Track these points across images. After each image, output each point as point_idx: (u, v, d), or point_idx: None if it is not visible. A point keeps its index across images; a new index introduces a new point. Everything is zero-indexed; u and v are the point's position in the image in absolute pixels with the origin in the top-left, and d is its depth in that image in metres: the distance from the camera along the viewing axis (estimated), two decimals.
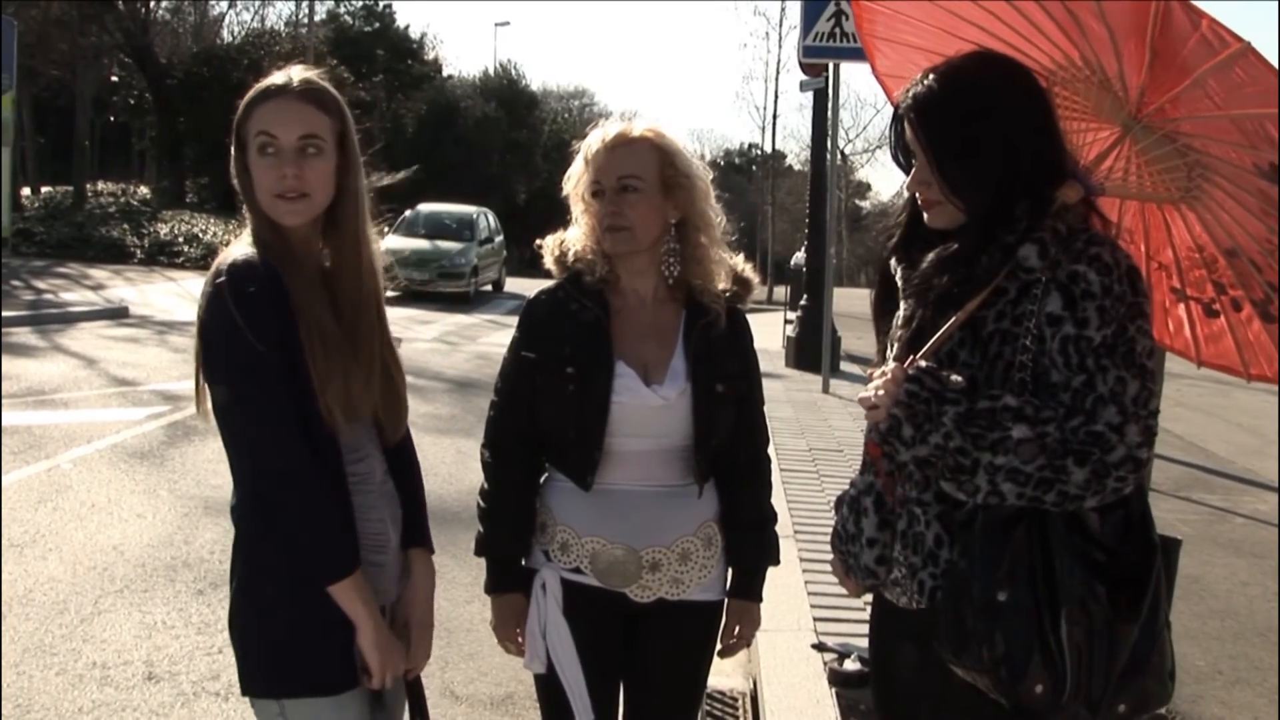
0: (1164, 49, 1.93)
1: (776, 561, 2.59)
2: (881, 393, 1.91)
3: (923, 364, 1.90)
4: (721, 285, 2.44)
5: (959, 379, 1.87)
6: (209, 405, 2.01)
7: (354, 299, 2.11)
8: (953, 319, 1.92)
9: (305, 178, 2.00)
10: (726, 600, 2.54)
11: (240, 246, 2.01)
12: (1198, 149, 2.05)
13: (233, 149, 2.04)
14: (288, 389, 1.92)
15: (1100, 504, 1.81)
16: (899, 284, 2.09)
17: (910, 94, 2.00)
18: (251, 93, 2.04)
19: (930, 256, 2.00)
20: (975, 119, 1.94)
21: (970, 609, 1.84)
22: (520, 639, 2.47)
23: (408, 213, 24.04)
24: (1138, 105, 2.06)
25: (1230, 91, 1.90)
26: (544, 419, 2.41)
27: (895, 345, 2.05)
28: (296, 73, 2.06)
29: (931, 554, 1.96)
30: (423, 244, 21.89)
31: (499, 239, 25.37)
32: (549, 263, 2.48)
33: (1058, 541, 1.83)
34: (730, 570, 2.54)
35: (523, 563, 2.50)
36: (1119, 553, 1.85)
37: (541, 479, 2.52)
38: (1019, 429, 1.78)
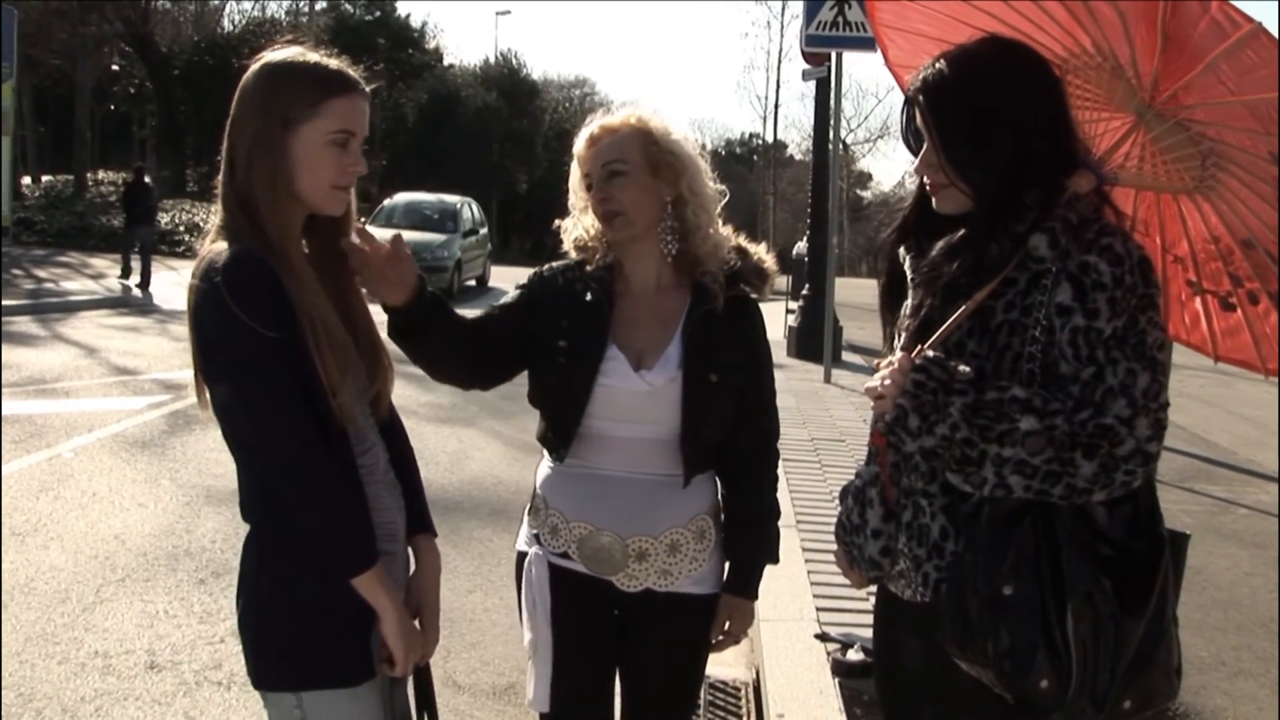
0: (1175, 33, 1.90)
1: (775, 559, 2.54)
2: (888, 383, 1.89)
3: (930, 354, 1.88)
4: (724, 262, 2.41)
5: (967, 369, 1.85)
6: (209, 398, 2.00)
7: (349, 286, 2.13)
8: (962, 308, 1.90)
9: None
10: (721, 595, 2.50)
11: (223, 245, 1.97)
12: (1211, 137, 2.02)
13: (267, 124, 1.97)
14: (293, 383, 1.90)
15: (1108, 498, 1.79)
16: (907, 273, 2.08)
17: (921, 78, 1.98)
18: (320, 82, 1.99)
19: (939, 244, 1.98)
20: (985, 104, 1.92)
21: (975, 602, 1.82)
22: None
23: (385, 203, 22.35)
24: (1151, 93, 2.02)
25: (1242, 75, 1.86)
26: (533, 388, 2.44)
27: (903, 335, 2.04)
28: (337, 62, 2.04)
29: (937, 546, 1.94)
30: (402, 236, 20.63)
31: (483, 231, 23.39)
32: (567, 244, 2.49)
33: (1064, 535, 1.81)
34: (727, 565, 2.52)
35: (517, 544, 2.52)
36: (1126, 547, 1.83)
37: (538, 464, 2.52)
38: (1027, 421, 1.76)
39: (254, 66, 2.03)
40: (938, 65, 1.96)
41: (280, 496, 1.93)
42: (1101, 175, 1.97)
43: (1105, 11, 1.97)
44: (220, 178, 2.03)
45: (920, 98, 1.97)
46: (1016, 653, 1.79)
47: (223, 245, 1.96)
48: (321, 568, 1.97)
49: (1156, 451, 1.77)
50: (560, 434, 2.39)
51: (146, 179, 19.57)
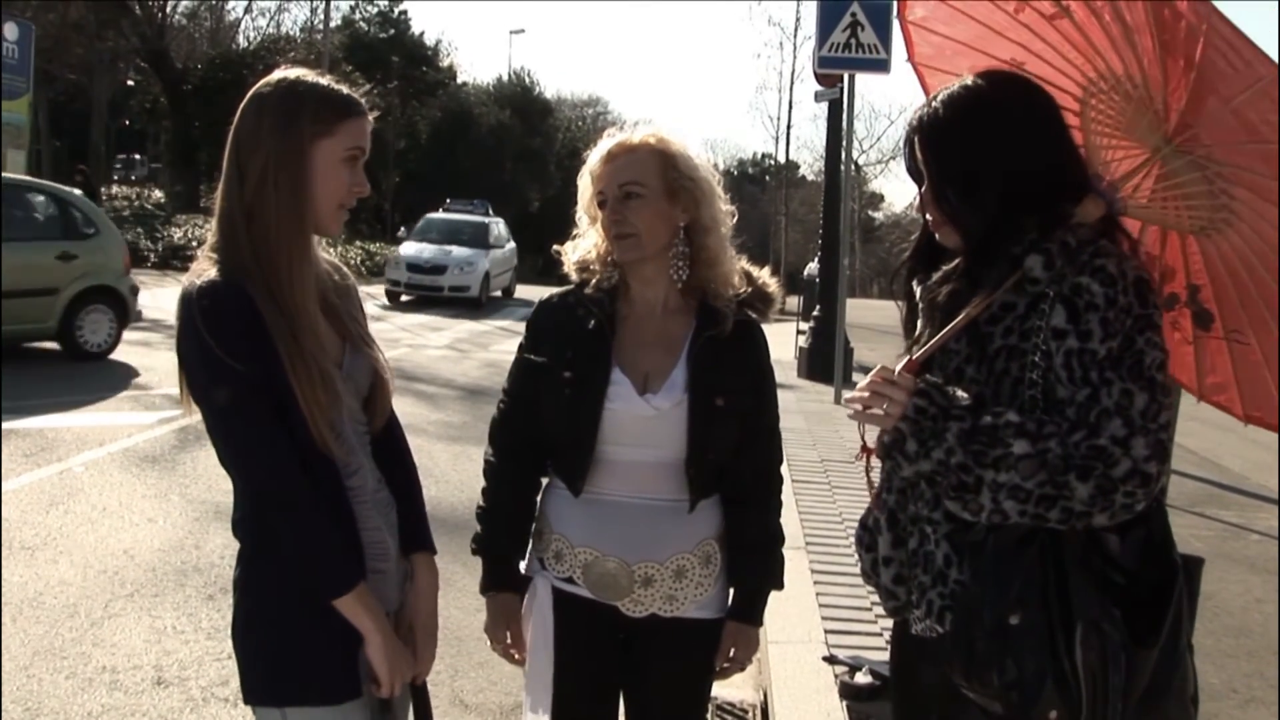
0: (1206, 69, 1.87)
1: (780, 586, 2.51)
2: (887, 405, 1.87)
3: (929, 378, 1.87)
4: (735, 290, 2.40)
5: (964, 395, 1.84)
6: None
7: (342, 290, 2.16)
8: (951, 324, 1.89)
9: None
10: (726, 622, 2.47)
11: (207, 267, 1.98)
12: (1227, 178, 1.97)
13: (290, 137, 1.99)
14: (270, 412, 1.92)
15: (1111, 521, 1.76)
16: (918, 302, 2.07)
17: (918, 115, 1.98)
18: (337, 102, 2.03)
19: (937, 274, 1.98)
20: (975, 151, 1.91)
21: (981, 633, 1.79)
22: (509, 640, 2.46)
23: None
24: (1175, 128, 1.99)
25: (1261, 121, 1.83)
26: (545, 422, 2.40)
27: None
28: (336, 81, 2.08)
29: (940, 574, 1.92)
30: None
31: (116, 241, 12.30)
32: (568, 267, 2.47)
33: (1072, 562, 1.78)
34: (731, 591, 2.49)
35: (521, 567, 2.49)
36: (1138, 575, 1.80)
37: (543, 486, 2.50)
38: (1020, 444, 1.75)
39: (264, 85, 2.05)
40: (934, 104, 1.96)
41: (262, 519, 1.98)
42: (1111, 202, 1.95)
43: (1147, 45, 1.94)
44: (220, 192, 2.03)
45: (915, 138, 1.98)
46: (1024, 683, 1.76)
47: (206, 270, 1.97)
48: (304, 588, 1.98)
49: (1157, 472, 1.74)
50: (576, 464, 2.36)
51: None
